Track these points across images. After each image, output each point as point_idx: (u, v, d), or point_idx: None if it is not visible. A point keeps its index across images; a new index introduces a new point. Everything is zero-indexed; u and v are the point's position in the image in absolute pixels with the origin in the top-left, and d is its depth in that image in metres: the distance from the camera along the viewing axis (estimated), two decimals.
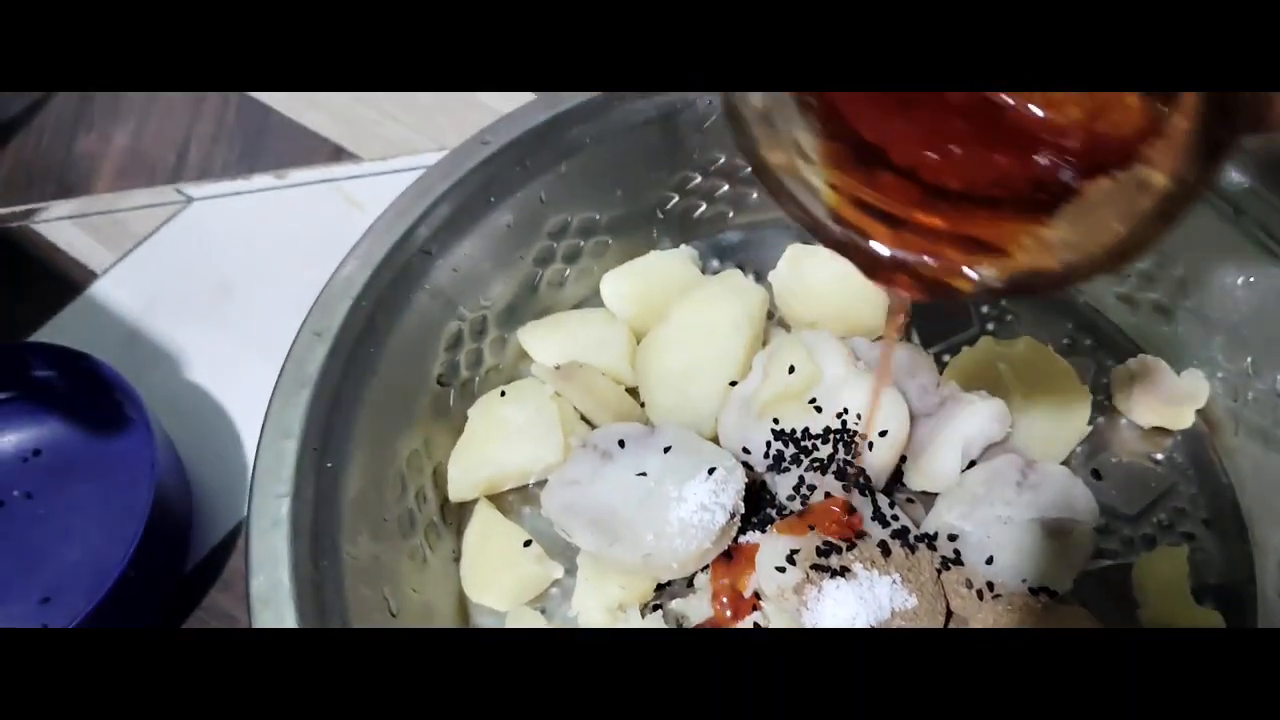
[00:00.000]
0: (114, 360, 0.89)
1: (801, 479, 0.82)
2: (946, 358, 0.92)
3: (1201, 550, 0.83)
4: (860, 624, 0.73)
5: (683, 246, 1.01)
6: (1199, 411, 0.88)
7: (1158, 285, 0.91)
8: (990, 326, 0.96)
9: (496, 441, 0.87)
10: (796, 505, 0.82)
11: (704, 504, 0.78)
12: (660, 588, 0.83)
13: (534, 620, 0.81)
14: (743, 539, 0.82)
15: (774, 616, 0.78)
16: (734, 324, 0.89)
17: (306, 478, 0.76)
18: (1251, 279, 0.84)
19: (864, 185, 0.57)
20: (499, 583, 0.83)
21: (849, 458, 0.83)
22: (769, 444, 0.84)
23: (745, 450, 0.85)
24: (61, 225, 1.13)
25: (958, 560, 0.79)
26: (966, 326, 0.96)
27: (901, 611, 0.75)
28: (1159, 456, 0.88)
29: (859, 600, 0.73)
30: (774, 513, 0.83)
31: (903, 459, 0.85)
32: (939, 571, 0.78)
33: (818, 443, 0.83)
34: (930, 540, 0.80)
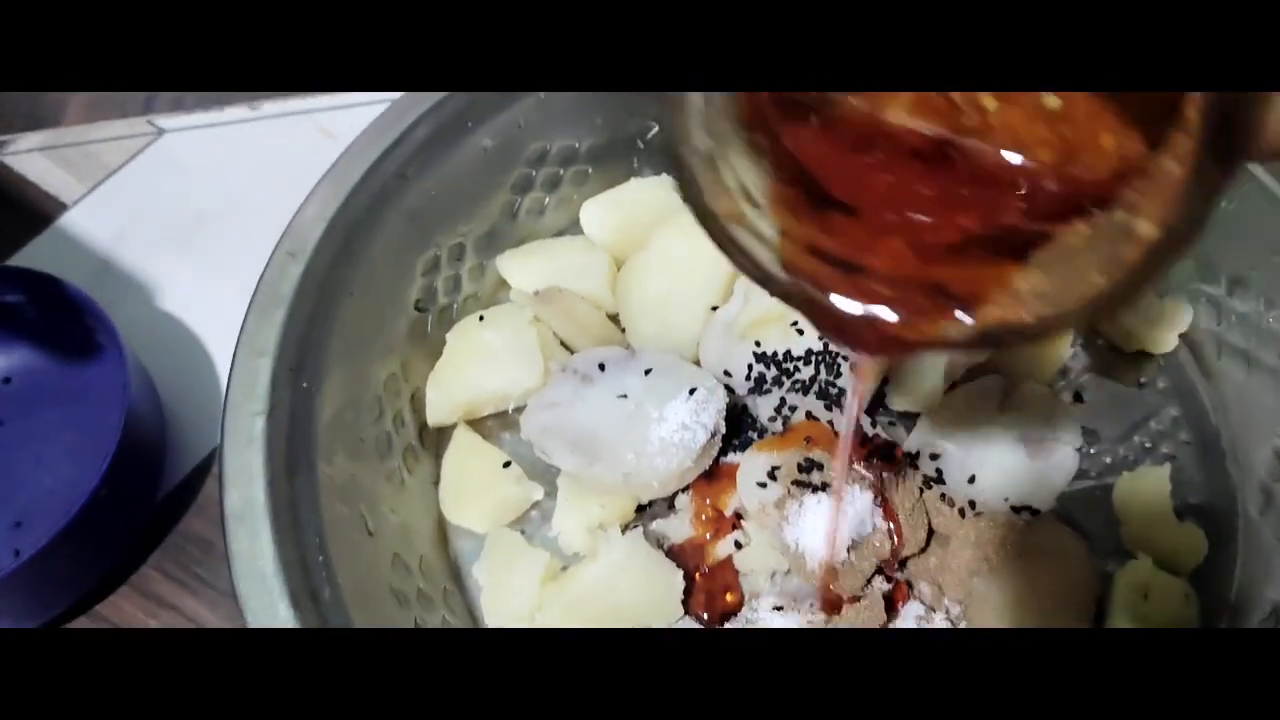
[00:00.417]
0: (86, 291, 0.87)
1: (783, 400, 0.82)
2: None
3: (1183, 471, 0.83)
4: (841, 538, 0.72)
5: (664, 175, 0.99)
6: (1181, 335, 0.88)
7: None
8: None
9: (475, 365, 0.86)
10: (778, 427, 0.82)
11: (685, 423, 0.78)
12: (641, 509, 0.82)
13: (514, 542, 0.80)
14: (724, 460, 0.81)
15: (754, 534, 0.77)
16: (715, 249, 0.88)
17: (281, 396, 0.75)
18: (1231, 203, 0.84)
19: (819, 231, 0.52)
20: (478, 504, 0.82)
21: (831, 379, 0.82)
22: (750, 366, 0.84)
23: (726, 373, 0.85)
24: (31, 157, 1.10)
25: (939, 479, 0.79)
26: None
27: (882, 528, 0.74)
28: (1142, 380, 0.88)
29: (840, 514, 0.73)
30: (755, 435, 0.83)
31: (885, 381, 0.85)
32: (921, 490, 0.78)
33: (799, 364, 0.83)
34: (912, 459, 0.80)
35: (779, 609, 0.75)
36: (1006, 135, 0.53)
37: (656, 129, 0.99)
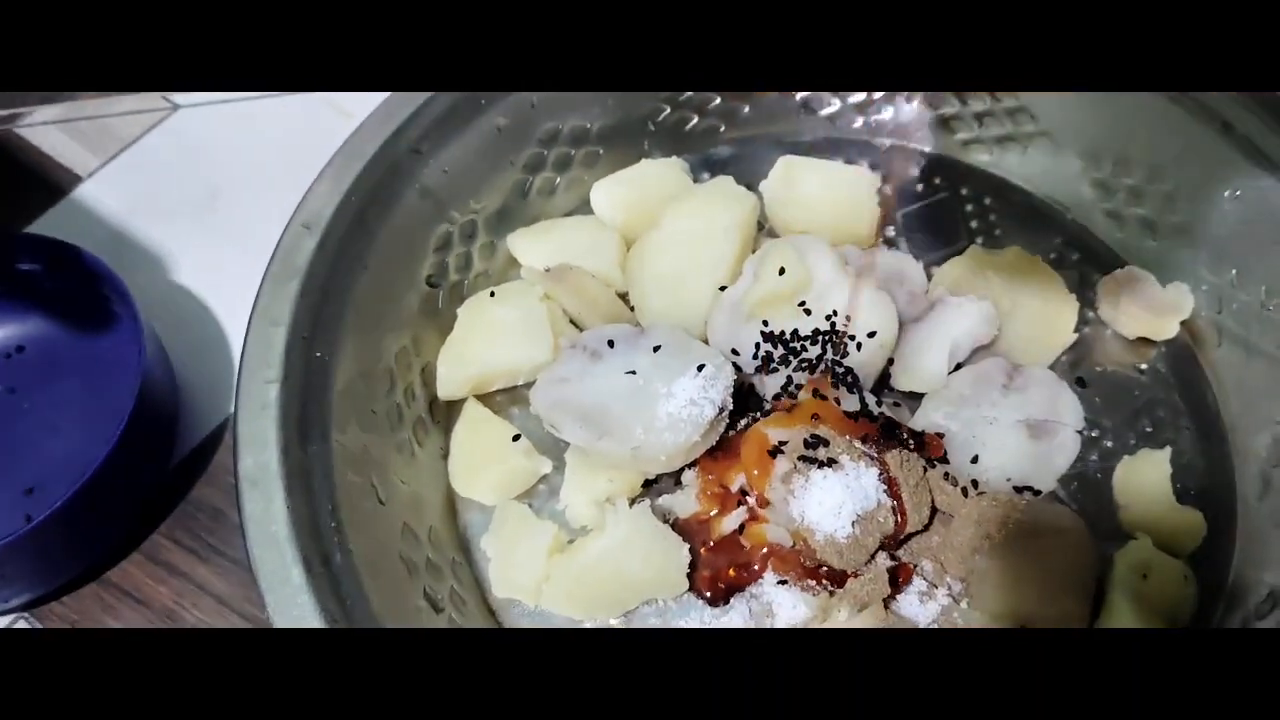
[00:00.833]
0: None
1: (790, 379, 0.83)
2: (935, 269, 0.93)
3: (1183, 456, 0.84)
4: (846, 512, 0.73)
5: (674, 158, 1.01)
6: (1183, 323, 0.89)
7: (1145, 200, 0.92)
8: (979, 240, 0.96)
9: (486, 340, 0.87)
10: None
11: (693, 399, 0.78)
12: (648, 484, 0.83)
13: (522, 514, 0.81)
14: (730, 436, 0.82)
15: (759, 508, 0.78)
16: (725, 229, 0.89)
17: (295, 365, 0.76)
18: (1238, 192, 0.85)
19: None
20: (487, 476, 0.83)
21: (837, 358, 0.83)
22: (758, 345, 0.85)
23: (734, 352, 0.85)
24: (47, 130, 1.11)
25: (943, 458, 0.80)
26: (956, 239, 0.96)
27: (886, 504, 0.75)
28: (1143, 366, 0.89)
29: (845, 489, 0.74)
30: (761, 415, 0.84)
31: (890, 362, 0.86)
32: (924, 468, 0.79)
33: (806, 344, 0.84)
34: (917, 438, 0.81)
35: (783, 582, 0.76)
36: None
37: (667, 111, 1.00)
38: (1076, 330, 0.88)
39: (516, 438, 0.84)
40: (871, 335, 0.83)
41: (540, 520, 0.81)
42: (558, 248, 0.93)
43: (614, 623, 0.79)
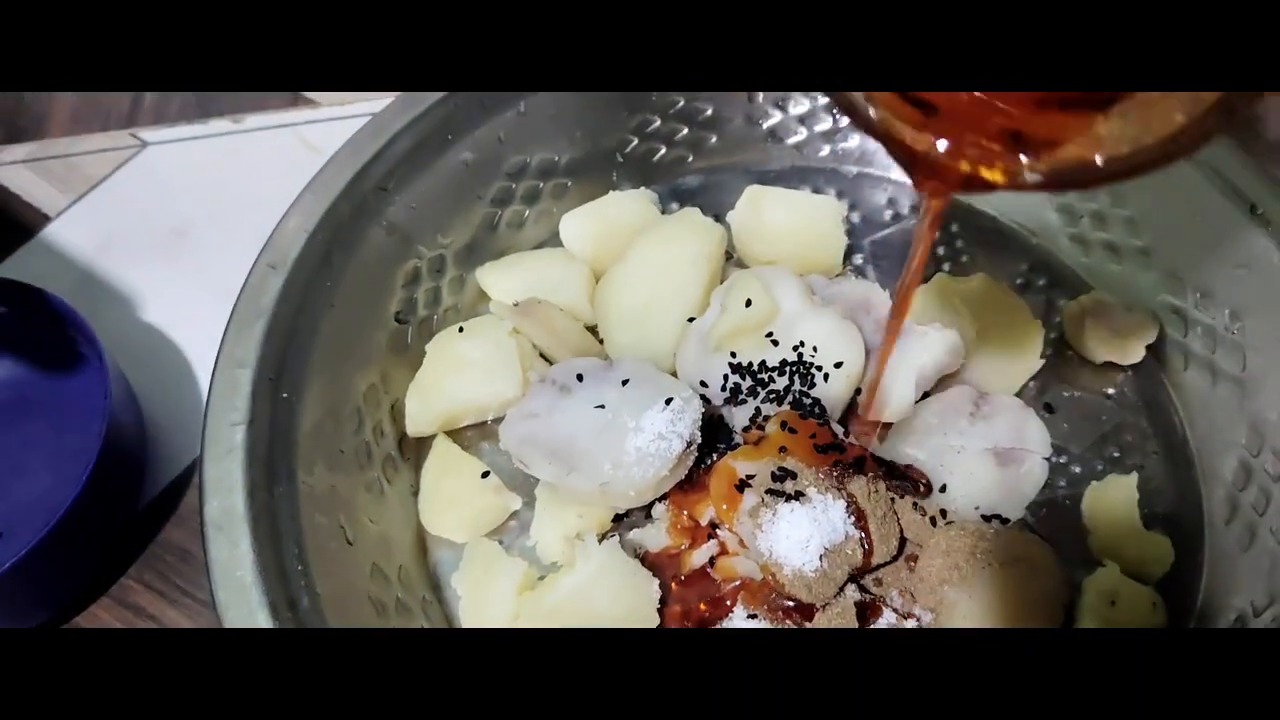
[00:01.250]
0: (68, 302, 0.88)
1: (758, 410, 0.83)
2: None
3: (1151, 480, 0.84)
4: (814, 546, 0.73)
5: (642, 189, 1.01)
6: (1149, 347, 0.89)
7: (1109, 225, 0.92)
8: (945, 267, 0.96)
9: (454, 376, 0.87)
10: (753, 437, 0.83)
11: (661, 433, 0.79)
12: (618, 518, 0.83)
13: (492, 552, 0.81)
14: (700, 470, 0.82)
15: (730, 542, 0.78)
16: (692, 261, 0.90)
17: (261, 406, 0.75)
18: (1199, 216, 0.86)
19: None
20: (457, 514, 0.83)
21: (805, 389, 0.83)
22: (726, 377, 0.85)
23: (703, 384, 0.86)
24: (14, 169, 1.11)
25: (925, 491, 0.80)
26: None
27: (854, 536, 0.75)
28: (1110, 391, 0.89)
29: (813, 523, 0.74)
30: (729, 446, 0.84)
31: (858, 391, 0.86)
32: (892, 499, 0.79)
33: (774, 375, 0.84)
34: (885, 468, 0.81)
35: (753, 616, 0.76)
36: None
37: (635, 142, 1.00)
38: (1043, 356, 0.89)
39: (486, 474, 0.84)
40: (838, 366, 0.83)
41: (510, 557, 0.80)
42: (527, 281, 0.93)
43: None
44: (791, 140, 1.04)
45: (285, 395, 0.77)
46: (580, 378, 0.84)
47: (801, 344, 0.84)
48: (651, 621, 0.77)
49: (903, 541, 0.78)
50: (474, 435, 0.89)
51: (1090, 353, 0.90)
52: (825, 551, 0.74)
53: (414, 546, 0.84)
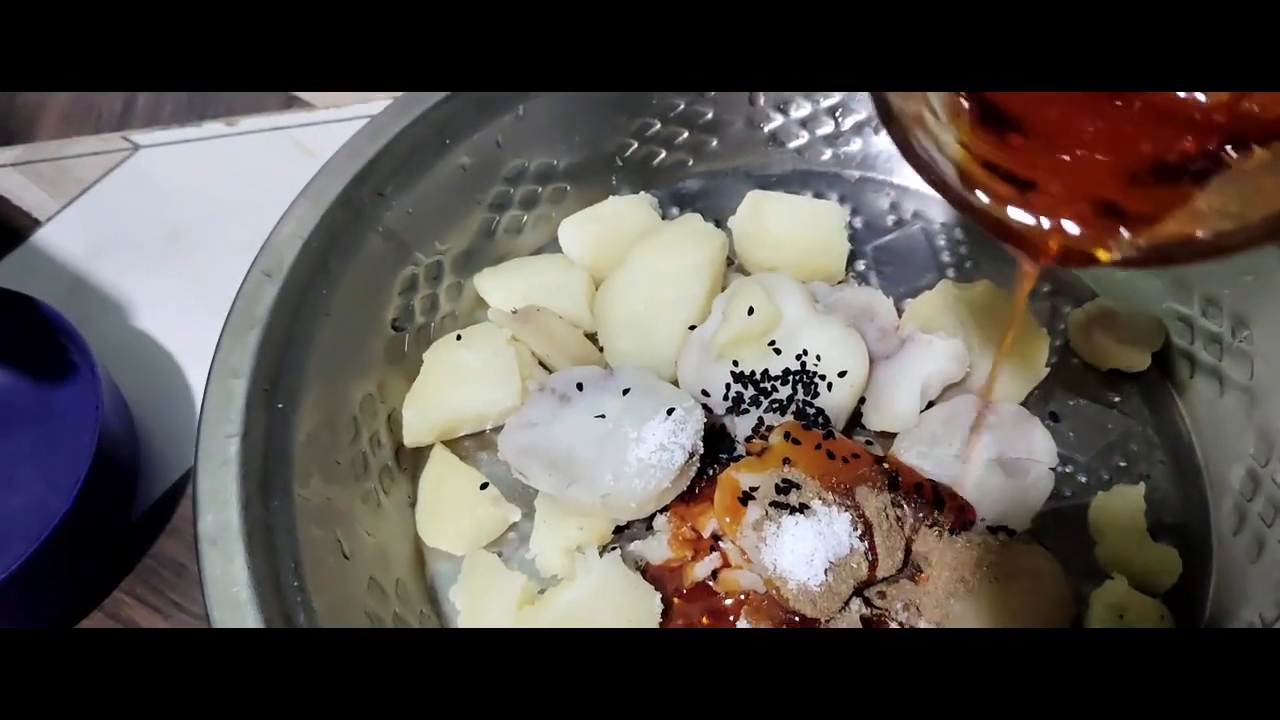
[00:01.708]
0: (59, 308, 0.87)
1: (761, 420, 0.82)
2: (907, 303, 0.92)
3: (1158, 490, 0.83)
4: (819, 560, 0.72)
5: (642, 193, 1.00)
6: (1155, 355, 0.88)
7: None
8: (950, 273, 0.95)
9: (452, 385, 0.86)
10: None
11: (663, 444, 0.77)
12: (619, 530, 0.82)
13: (491, 565, 0.80)
14: (702, 480, 0.81)
15: (732, 555, 0.77)
16: (694, 267, 0.88)
17: (256, 418, 0.74)
18: None
19: (995, 146, 0.55)
20: (455, 526, 0.82)
21: (808, 399, 0.82)
22: (728, 386, 0.84)
23: (704, 393, 0.84)
24: (5, 173, 1.10)
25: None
26: (926, 272, 0.96)
27: (859, 549, 0.74)
28: (1116, 400, 0.88)
29: (818, 536, 0.73)
30: (732, 456, 0.83)
31: (862, 400, 0.85)
32: (899, 509, 0.78)
33: (777, 384, 0.83)
34: (892, 480, 0.80)
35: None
36: None
37: (635, 146, 0.99)
38: (1048, 365, 0.88)
39: (484, 485, 0.83)
40: (842, 375, 0.82)
41: (509, 571, 0.79)
42: (526, 287, 0.92)
43: None
44: (793, 144, 1.03)
45: (280, 406, 0.76)
46: (580, 386, 0.82)
47: (805, 353, 0.83)
48: None
49: (908, 554, 0.77)
50: (472, 445, 0.88)
51: (1096, 361, 0.89)
52: (830, 565, 0.72)
53: (411, 559, 0.83)
